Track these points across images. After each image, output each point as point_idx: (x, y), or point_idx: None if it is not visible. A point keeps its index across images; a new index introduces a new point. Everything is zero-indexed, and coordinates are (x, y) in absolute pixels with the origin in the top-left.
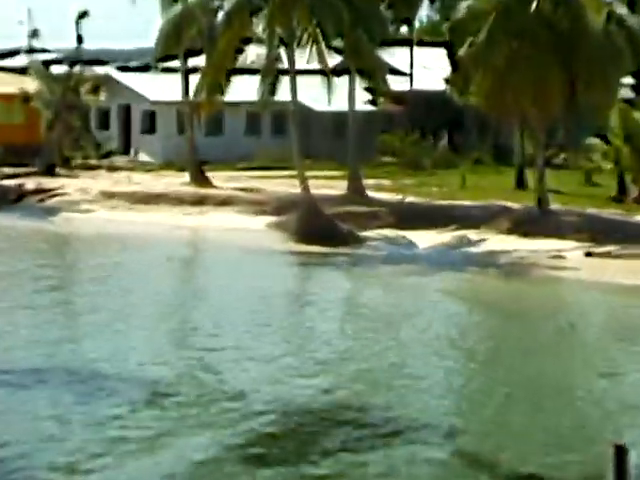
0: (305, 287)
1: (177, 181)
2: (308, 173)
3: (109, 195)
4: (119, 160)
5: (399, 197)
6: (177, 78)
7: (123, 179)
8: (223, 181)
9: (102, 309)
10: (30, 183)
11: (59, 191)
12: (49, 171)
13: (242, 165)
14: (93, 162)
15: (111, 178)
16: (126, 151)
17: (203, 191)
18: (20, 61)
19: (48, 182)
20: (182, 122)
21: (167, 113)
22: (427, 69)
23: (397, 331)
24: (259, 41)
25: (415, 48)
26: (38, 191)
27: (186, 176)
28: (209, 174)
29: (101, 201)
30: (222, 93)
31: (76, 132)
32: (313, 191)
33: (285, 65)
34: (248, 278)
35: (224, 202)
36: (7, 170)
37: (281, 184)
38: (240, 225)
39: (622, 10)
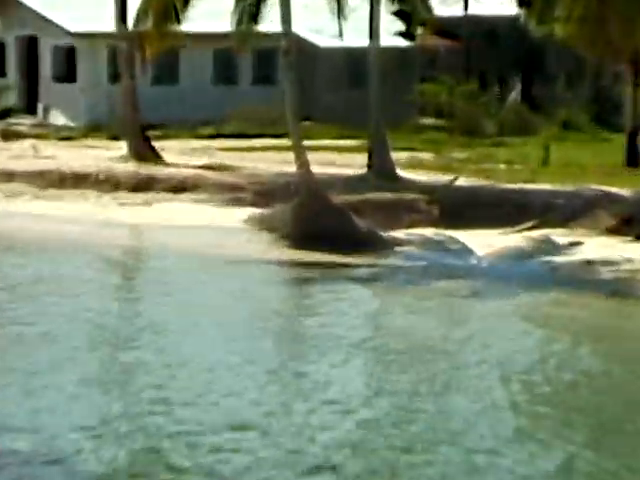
0: (304, 317)
1: (109, 155)
2: (309, 142)
3: (5, 175)
4: (20, 122)
5: (447, 179)
6: None
7: (27, 151)
8: (178, 155)
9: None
10: None
11: None
12: None
13: (208, 130)
14: None
15: (8, 149)
16: (31, 109)
17: (148, 170)
18: None
19: None
20: (116, 65)
21: (93, 51)
22: None
23: (446, 387)
24: None
25: None
26: None
27: (123, 147)
28: (157, 144)
29: None
30: (178, 20)
31: None
32: (316, 170)
33: None
34: (218, 305)
35: (180, 186)
36: None
37: (268, 160)
38: (204, 221)
39: None
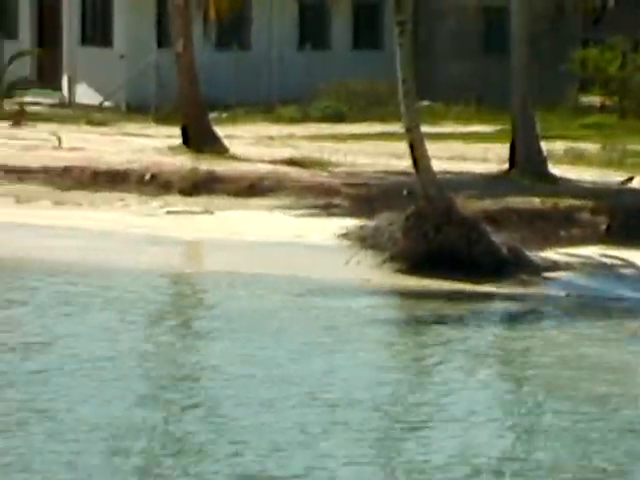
0: (435, 385)
1: (156, 145)
2: (428, 128)
3: (16, 173)
4: (36, 101)
5: (619, 179)
6: None
7: (45, 140)
8: (251, 145)
9: None
10: None
11: None
12: None
13: (291, 112)
14: None
15: (20, 138)
16: (50, 83)
17: (210, 166)
18: None
19: None
20: (166, 22)
21: (137, 4)
22: None
23: None
24: None
25: None
26: None
27: (175, 135)
28: (222, 131)
29: None
30: None
31: None
32: (438, 166)
33: None
34: (302, 358)
35: (252, 189)
36: None
37: (371, 152)
38: (285, 235)
39: None
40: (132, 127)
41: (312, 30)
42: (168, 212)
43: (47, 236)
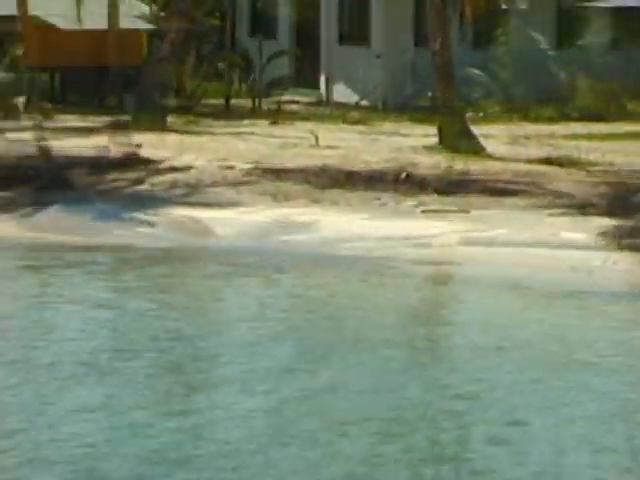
0: None
1: (412, 144)
2: None
3: (273, 172)
4: (294, 100)
5: None
6: None
7: (302, 138)
8: (507, 144)
9: None
10: (115, 145)
11: (172, 163)
12: (154, 121)
13: (548, 111)
14: (239, 102)
15: (278, 137)
16: (308, 82)
17: (465, 165)
18: None
19: (150, 143)
20: (423, 21)
21: (394, 3)
22: None
23: None
24: None
25: None
26: (130, 162)
27: (432, 134)
28: (478, 130)
29: (254, 183)
30: None
31: (209, 42)
32: None
33: None
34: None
35: (508, 188)
36: (70, 119)
37: (630, 152)
38: (541, 234)
39: None
40: (388, 126)
41: (570, 29)
42: (423, 211)
43: (294, 234)
